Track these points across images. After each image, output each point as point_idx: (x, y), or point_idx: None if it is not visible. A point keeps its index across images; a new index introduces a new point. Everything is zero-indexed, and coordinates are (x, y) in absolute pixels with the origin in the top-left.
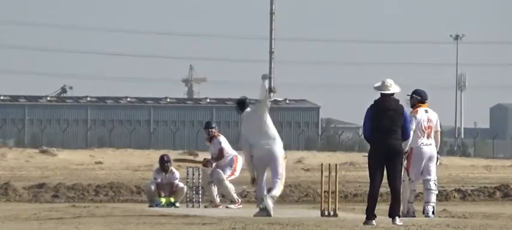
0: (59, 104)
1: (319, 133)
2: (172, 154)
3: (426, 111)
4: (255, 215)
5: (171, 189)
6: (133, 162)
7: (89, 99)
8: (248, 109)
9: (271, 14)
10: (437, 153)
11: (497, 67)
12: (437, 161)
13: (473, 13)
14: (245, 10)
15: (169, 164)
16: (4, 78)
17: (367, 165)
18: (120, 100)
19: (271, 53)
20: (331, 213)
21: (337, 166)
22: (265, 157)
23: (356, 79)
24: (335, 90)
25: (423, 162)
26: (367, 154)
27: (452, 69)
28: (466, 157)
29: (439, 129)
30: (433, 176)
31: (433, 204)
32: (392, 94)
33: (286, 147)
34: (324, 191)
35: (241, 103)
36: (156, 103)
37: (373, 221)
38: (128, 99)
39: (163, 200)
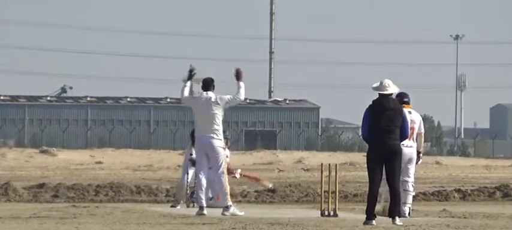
0: (59, 104)
1: (319, 133)
2: (173, 154)
3: (410, 112)
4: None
5: None
6: (134, 162)
7: (89, 99)
8: (209, 94)
9: (271, 14)
10: (420, 152)
11: (497, 67)
12: (418, 160)
13: (473, 13)
14: (245, 10)
15: None
16: (4, 78)
17: (366, 165)
18: (120, 100)
19: (271, 53)
20: (331, 213)
21: (337, 166)
22: (207, 146)
23: (356, 79)
24: (335, 90)
25: (403, 164)
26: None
27: (452, 69)
28: (466, 157)
29: (422, 130)
30: (411, 179)
31: (409, 205)
32: (391, 94)
33: (286, 147)
34: (324, 191)
35: (210, 83)
36: (156, 103)
37: (373, 221)
38: (128, 99)
39: None
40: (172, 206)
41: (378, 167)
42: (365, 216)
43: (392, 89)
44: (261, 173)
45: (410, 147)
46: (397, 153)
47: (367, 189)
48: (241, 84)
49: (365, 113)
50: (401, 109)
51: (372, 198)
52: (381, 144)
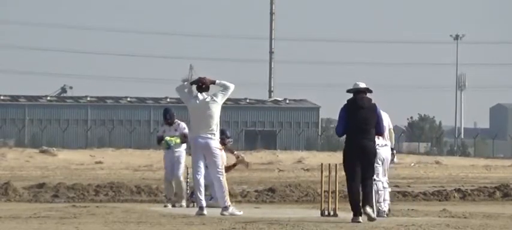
0: (59, 104)
1: (319, 133)
2: None
3: None
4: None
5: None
6: (134, 162)
7: (89, 99)
8: (204, 95)
9: (271, 14)
10: (393, 149)
11: (497, 67)
12: (393, 158)
13: (473, 13)
14: (245, 10)
15: (173, 117)
16: (4, 78)
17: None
18: (120, 100)
19: (271, 53)
20: (331, 213)
21: (337, 166)
22: (204, 146)
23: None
24: (335, 90)
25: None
26: None
27: (452, 69)
28: (466, 157)
29: (391, 126)
30: (385, 178)
31: (388, 202)
32: (365, 92)
33: (286, 147)
34: (324, 191)
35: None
36: (156, 103)
37: (360, 218)
38: (128, 99)
39: (168, 138)
40: (165, 206)
41: (355, 164)
42: (352, 213)
43: (364, 85)
44: (261, 173)
45: (385, 145)
46: (372, 153)
47: (347, 187)
48: (218, 80)
49: (340, 112)
50: (375, 107)
51: (353, 195)
52: (356, 142)
